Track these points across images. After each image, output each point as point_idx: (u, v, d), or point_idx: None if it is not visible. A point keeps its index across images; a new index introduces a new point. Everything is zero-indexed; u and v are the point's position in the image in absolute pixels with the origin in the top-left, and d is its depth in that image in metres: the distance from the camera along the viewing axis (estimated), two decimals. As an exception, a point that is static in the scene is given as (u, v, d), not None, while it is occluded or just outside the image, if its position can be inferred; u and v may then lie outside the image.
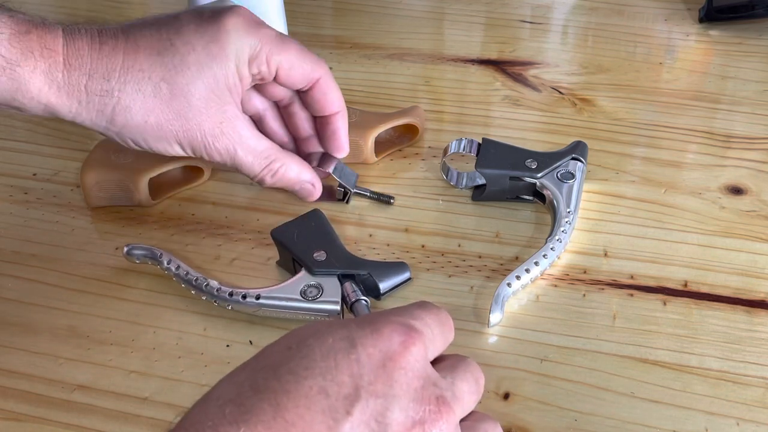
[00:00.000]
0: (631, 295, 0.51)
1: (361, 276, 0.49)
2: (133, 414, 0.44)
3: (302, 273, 0.49)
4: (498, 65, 0.71)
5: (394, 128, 0.61)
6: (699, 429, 0.43)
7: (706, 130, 0.64)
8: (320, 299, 0.48)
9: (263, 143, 0.51)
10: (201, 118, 0.48)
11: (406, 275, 0.51)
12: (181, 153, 0.49)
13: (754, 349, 0.47)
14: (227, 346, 0.48)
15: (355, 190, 0.57)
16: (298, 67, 0.50)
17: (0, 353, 0.48)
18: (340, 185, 0.56)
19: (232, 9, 0.49)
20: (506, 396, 0.45)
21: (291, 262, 0.51)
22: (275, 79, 0.51)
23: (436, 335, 0.35)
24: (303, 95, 0.54)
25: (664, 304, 0.50)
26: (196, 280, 0.49)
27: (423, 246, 0.54)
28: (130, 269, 0.52)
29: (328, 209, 0.55)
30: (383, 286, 0.50)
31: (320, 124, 0.55)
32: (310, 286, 0.48)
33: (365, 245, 0.54)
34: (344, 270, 0.49)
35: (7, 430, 0.43)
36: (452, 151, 0.58)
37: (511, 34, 0.76)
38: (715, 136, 0.63)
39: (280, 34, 0.51)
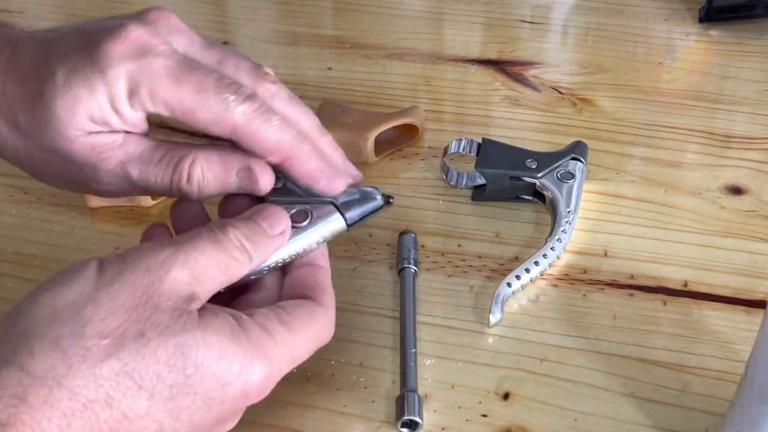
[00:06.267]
0: (631, 295, 0.51)
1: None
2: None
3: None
4: (498, 65, 0.71)
5: (394, 128, 0.61)
6: (699, 429, 0.43)
7: (705, 130, 0.64)
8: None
9: (159, 145, 0.40)
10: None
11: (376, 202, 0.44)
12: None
13: (754, 349, 0.47)
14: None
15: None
16: (202, 110, 0.38)
17: (0, 353, 0.47)
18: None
19: (123, 25, 0.38)
20: (506, 396, 0.45)
21: None
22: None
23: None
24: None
25: (664, 304, 0.50)
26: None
27: (423, 246, 0.54)
28: (130, 269, 0.52)
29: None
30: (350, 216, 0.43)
31: None
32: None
33: (365, 245, 0.54)
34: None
35: (7, 430, 0.43)
36: (452, 151, 0.58)
37: (511, 34, 0.76)
38: (714, 136, 0.63)
39: (187, 61, 0.39)
